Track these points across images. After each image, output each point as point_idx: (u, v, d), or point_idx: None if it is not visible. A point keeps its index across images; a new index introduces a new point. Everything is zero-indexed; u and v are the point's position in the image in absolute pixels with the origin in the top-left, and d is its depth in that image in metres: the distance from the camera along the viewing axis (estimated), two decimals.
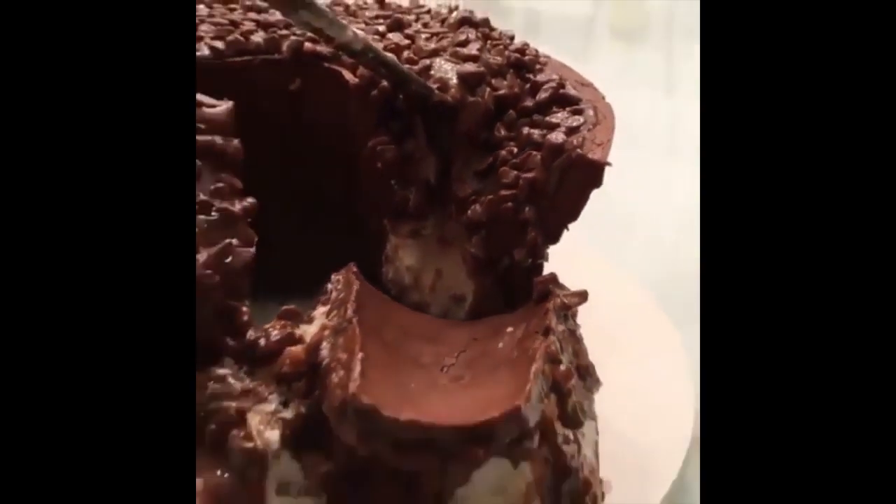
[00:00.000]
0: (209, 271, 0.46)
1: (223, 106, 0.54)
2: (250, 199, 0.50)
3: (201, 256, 0.47)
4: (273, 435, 0.44)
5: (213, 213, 0.49)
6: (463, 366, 0.47)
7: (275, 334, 0.48)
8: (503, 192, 0.55)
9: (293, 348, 0.47)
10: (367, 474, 0.44)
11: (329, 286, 0.53)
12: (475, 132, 0.58)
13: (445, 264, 0.61)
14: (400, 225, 0.61)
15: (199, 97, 0.54)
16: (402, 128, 0.59)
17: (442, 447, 0.39)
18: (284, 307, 0.50)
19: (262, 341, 0.47)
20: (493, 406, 0.39)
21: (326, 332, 0.46)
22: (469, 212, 0.57)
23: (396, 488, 0.44)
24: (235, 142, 0.53)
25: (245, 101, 0.54)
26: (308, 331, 0.50)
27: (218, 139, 0.52)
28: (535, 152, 0.55)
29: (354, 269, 0.53)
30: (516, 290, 0.58)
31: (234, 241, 0.49)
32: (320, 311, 0.51)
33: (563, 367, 0.44)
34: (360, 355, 0.41)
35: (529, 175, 0.54)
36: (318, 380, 0.45)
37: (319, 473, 0.44)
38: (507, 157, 0.57)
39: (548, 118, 0.57)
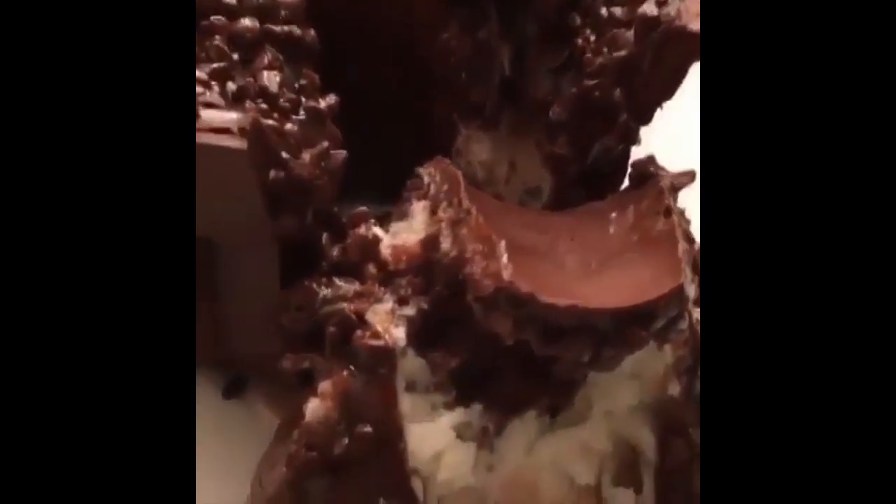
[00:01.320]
0: (317, 172, 0.44)
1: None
2: (332, 96, 0.47)
3: (305, 156, 0.44)
4: (399, 332, 0.43)
5: (301, 113, 0.46)
6: (582, 252, 0.45)
7: (357, 239, 0.46)
8: (587, 83, 0.53)
9: (406, 244, 0.46)
10: (494, 367, 0.44)
11: (422, 180, 0.51)
12: (551, 16, 0.55)
13: (519, 156, 0.59)
14: (472, 120, 0.58)
15: None
16: (474, 15, 0.56)
17: (600, 331, 0.38)
18: (355, 211, 0.48)
19: (347, 247, 0.46)
20: (651, 287, 0.38)
21: (443, 225, 0.44)
22: (551, 113, 0.54)
23: (526, 378, 0.43)
24: (311, 32, 0.50)
25: None
26: (397, 231, 0.48)
27: (295, 29, 0.49)
28: (622, 29, 0.53)
29: (441, 158, 0.51)
30: (601, 178, 0.57)
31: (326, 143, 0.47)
32: (419, 205, 0.49)
33: (697, 247, 0.43)
34: (502, 242, 0.40)
35: (621, 54, 0.52)
36: (436, 275, 0.44)
37: (447, 369, 0.43)
38: (585, 46, 0.54)
39: None
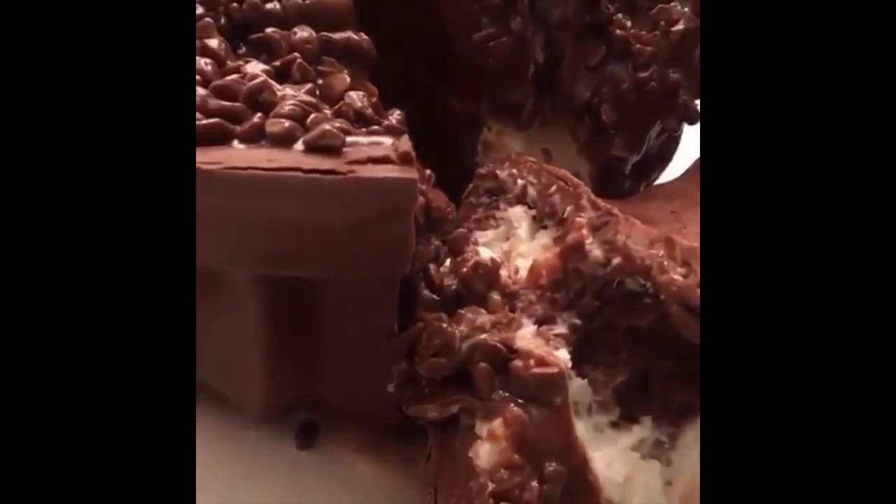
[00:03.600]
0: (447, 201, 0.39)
1: None
2: (397, 111, 0.42)
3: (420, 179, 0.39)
4: (563, 354, 0.39)
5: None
6: None
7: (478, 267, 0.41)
8: (640, 75, 0.50)
9: (541, 261, 0.42)
10: (650, 376, 0.41)
11: (493, 183, 0.47)
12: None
13: (553, 143, 0.56)
14: (509, 119, 0.54)
15: None
16: (506, 6, 0.52)
17: None
18: (456, 234, 0.43)
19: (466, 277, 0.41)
20: None
21: (584, 232, 0.40)
22: (602, 115, 0.51)
23: (689, 382, 0.41)
24: (365, 37, 0.44)
25: None
26: (492, 240, 0.45)
27: (353, 35, 0.43)
28: (673, 3, 0.50)
29: (514, 155, 0.48)
30: (650, 161, 0.55)
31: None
32: (516, 211, 0.45)
33: None
34: (683, 243, 0.37)
35: (678, 28, 0.50)
36: (585, 286, 0.40)
37: (610, 387, 0.40)
38: (624, 35, 0.51)
39: None
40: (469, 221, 0.46)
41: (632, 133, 0.51)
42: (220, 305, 0.40)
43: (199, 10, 0.41)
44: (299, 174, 0.32)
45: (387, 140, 0.35)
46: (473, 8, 0.52)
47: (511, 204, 0.45)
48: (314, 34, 0.42)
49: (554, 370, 0.38)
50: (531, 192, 0.45)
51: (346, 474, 0.47)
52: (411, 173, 0.34)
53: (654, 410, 0.40)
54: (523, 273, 0.42)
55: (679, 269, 0.36)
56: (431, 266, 0.41)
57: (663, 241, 0.38)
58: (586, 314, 0.40)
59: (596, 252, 0.40)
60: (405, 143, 0.35)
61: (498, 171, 0.47)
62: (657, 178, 0.56)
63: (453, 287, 0.41)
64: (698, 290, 0.36)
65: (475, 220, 0.46)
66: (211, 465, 0.44)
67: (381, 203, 0.34)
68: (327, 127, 0.34)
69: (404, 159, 0.34)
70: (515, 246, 0.44)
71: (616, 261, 0.39)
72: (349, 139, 0.35)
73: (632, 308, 0.39)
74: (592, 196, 0.42)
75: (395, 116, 0.41)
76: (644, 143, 0.52)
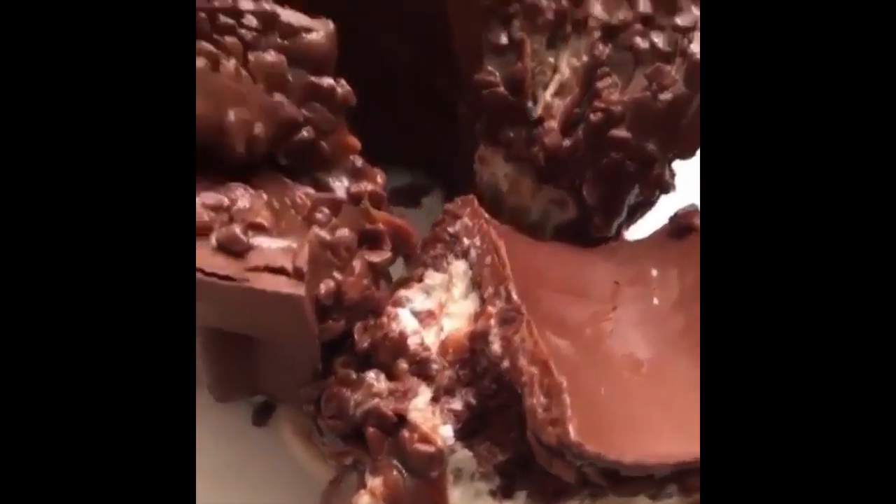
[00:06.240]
0: (366, 284, 0.43)
1: (322, 30, 0.46)
2: (379, 172, 0.44)
3: (356, 264, 0.42)
4: (447, 430, 0.43)
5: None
6: (629, 337, 0.45)
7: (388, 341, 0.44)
8: (614, 156, 0.50)
9: (454, 335, 0.45)
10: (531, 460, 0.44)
11: (453, 228, 0.49)
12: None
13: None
14: (499, 149, 0.55)
15: (292, 17, 0.46)
16: (506, 47, 0.52)
17: (660, 479, 0.39)
18: (384, 294, 0.46)
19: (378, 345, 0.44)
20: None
21: (492, 322, 0.43)
22: (584, 192, 0.51)
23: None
24: (343, 83, 0.46)
25: None
26: (432, 285, 0.47)
27: (328, 82, 0.45)
28: (666, 67, 0.49)
29: (476, 206, 0.49)
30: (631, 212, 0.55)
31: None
32: (459, 266, 0.48)
33: None
34: (563, 383, 0.39)
35: (666, 97, 0.49)
36: (485, 372, 0.43)
37: (493, 462, 0.44)
38: (608, 86, 0.50)
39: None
40: (427, 253, 0.49)
41: (607, 209, 0.52)
42: None
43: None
44: (200, 275, 0.36)
45: (293, 244, 0.39)
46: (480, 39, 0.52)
47: (458, 257, 0.48)
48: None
49: (432, 449, 0.42)
50: (472, 254, 0.47)
51: (286, 452, 0.54)
52: (300, 289, 0.38)
53: (530, 487, 0.44)
54: (445, 333, 0.46)
55: (541, 400, 0.39)
56: (358, 326, 0.44)
57: (539, 365, 0.40)
58: (484, 394, 0.43)
59: (495, 346, 0.42)
60: (303, 255, 0.38)
61: (459, 218, 0.49)
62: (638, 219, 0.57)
63: (366, 346, 0.44)
64: (550, 429, 0.38)
65: (431, 255, 0.49)
66: None
67: (274, 309, 0.38)
68: (237, 231, 0.37)
69: (298, 274, 0.38)
70: (447, 304, 0.47)
71: (505, 362, 0.42)
72: (255, 241, 0.38)
73: (521, 400, 0.42)
74: (510, 286, 0.44)
75: (373, 181, 0.44)
76: (622, 209, 0.53)
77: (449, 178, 0.65)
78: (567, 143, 0.50)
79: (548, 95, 0.52)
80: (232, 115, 0.40)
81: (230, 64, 0.41)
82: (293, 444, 0.54)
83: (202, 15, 0.41)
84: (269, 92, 0.42)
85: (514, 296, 0.43)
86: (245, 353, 0.46)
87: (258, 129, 0.41)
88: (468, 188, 0.59)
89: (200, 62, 0.40)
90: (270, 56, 0.42)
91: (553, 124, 0.51)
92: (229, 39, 0.42)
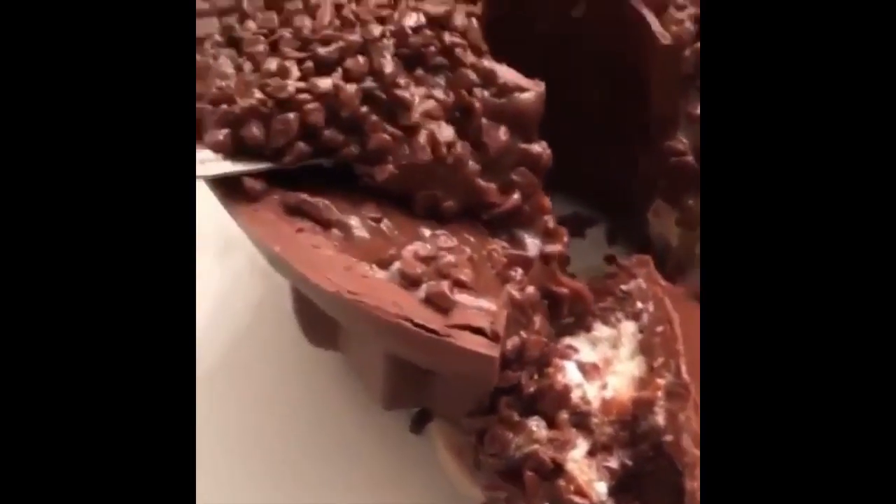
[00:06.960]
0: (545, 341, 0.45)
1: (534, 90, 0.49)
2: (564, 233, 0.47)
3: (536, 320, 0.45)
4: (601, 487, 0.46)
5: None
6: None
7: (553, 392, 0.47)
8: None
9: (618, 398, 0.47)
10: None
11: (626, 286, 0.51)
12: None
13: None
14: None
15: (508, 74, 0.49)
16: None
17: None
18: (556, 347, 0.49)
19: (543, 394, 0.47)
20: None
21: (659, 394, 0.46)
22: None
23: None
24: (545, 144, 0.49)
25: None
26: (599, 338, 0.50)
27: (536, 149, 0.48)
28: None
29: (653, 270, 0.52)
30: None
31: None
32: (628, 327, 0.50)
33: None
34: None
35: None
36: (645, 433, 0.46)
37: None
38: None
39: None
40: (597, 304, 0.52)
41: None
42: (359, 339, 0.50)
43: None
44: (409, 324, 0.40)
45: (491, 305, 0.42)
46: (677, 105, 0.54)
47: (628, 317, 0.51)
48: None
49: (586, 503, 0.45)
50: (644, 319, 0.50)
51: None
52: (494, 351, 0.41)
53: None
54: (609, 391, 0.49)
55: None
56: (524, 374, 0.47)
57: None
58: (640, 458, 0.46)
59: (659, 417, 0.45)
60: (501, 321, 0.42)
61: (633, 278, 0.51)
62: None
63: (532, 392, 0.47)
64: None
65: (601, 307, 0.52)
66: None
67: (467, 362, 0.42)
68: (445, 290, 0.41)
69: (495, 336, 0.41)
70: (613, 361, 0.50)
71: (668, 436, 0.44)
72: (458, 297, 0.42)
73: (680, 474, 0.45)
74: (680, 361, 0.46)
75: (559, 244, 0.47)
76: None
77: (614, 216, 0.67)
78: None
79: None
80: None
81: None
82: (444, 455, 0.58)
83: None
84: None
85: (684, 373, 0.46)
86: (422, 376, 0.49)
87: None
88: (634, 231, 0.62)
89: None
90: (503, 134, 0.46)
91: None
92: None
